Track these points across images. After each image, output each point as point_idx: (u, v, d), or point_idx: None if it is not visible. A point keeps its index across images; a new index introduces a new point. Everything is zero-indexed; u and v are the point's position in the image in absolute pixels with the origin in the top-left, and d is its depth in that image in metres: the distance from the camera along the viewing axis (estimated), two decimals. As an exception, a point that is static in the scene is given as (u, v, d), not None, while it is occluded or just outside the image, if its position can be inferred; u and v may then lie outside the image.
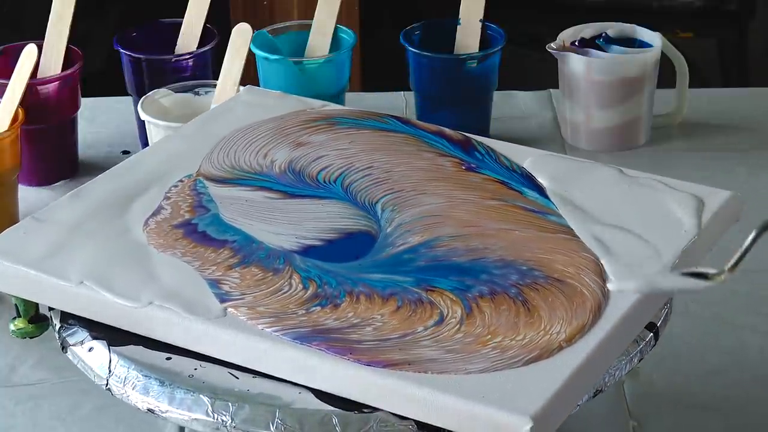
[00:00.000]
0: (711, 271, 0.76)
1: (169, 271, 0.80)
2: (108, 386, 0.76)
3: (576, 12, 2.27)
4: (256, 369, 0.75)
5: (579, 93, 1.28)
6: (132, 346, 0.77)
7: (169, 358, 0.76)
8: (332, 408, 0.72)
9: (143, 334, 0.77)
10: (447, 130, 0.95)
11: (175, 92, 1.21)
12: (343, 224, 0.85)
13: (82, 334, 0.79)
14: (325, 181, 0.89)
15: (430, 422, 0.71)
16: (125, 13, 2.21)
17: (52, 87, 1.23)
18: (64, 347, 0.79)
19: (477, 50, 1.29)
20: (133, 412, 0.77)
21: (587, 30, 1.30)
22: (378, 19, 2.41)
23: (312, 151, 0.92)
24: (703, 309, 1.07)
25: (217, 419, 0.72)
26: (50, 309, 0.81)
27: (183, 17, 1.29)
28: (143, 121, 1.17)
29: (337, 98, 1.27)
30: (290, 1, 2.14)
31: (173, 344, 0.77)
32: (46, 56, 1.24)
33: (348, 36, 1.29)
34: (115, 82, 1.35)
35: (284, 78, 1.24)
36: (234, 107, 0.99)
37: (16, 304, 0.85)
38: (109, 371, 0.76)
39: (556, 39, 1.29)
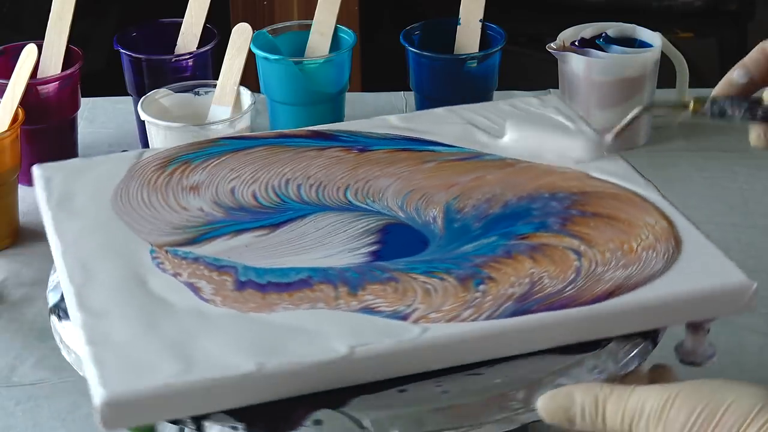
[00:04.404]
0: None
1: (311, 318, 0.75)
2: None
3: (576, 12, 2.27)
4: (500, 356, 0.74)
5: (579, 93, 1.28)
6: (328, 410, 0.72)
7: (403, 390, 0.73)
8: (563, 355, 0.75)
9: (351, 384, 0.73)
10: (300, 131, 0.96)
11: (175, 92, 1.21)
12: (360, 227, 0.84)
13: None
14: (281, 201, 0.87)
15: (662, 325, 0.78)
16: (125, 13, 2.21)
17: (52, 87, 1.23)
18: None
19: (477, 50, 1.29)
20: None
21: (587, 30, 1.30)
22: (378, 20, 2.41)
23: (223, 184, 0.89)
24: (703, 309, 1.07)
25: None
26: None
27: (183, 17, 1.29)
28: (143, 121, 1.17)
29: (337, 98, 1.27)
30: (290, 1, 2.15)
31: (373, 381, 0.73)
32: (46, 56, 1.25)
33: (348, 36, 1.29)
34: (115, 82, 1.35)
35: (284, 78, 1.25)
36: (70, 187, 0.89)
37: None
38: None
39: (556, 39, 1.29)
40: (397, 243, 0.82)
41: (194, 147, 0.94)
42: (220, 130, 1.14)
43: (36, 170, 0.91)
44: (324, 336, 0.73)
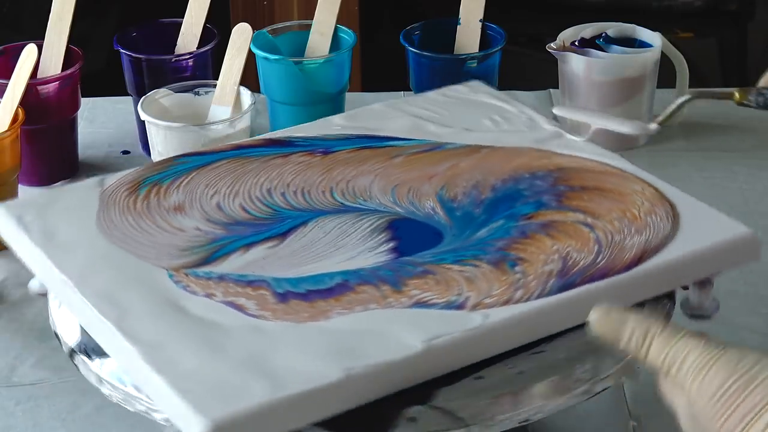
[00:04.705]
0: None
1: (370, 320, 0.75)
2: None
3: (576, 12, 2.27)
4: (554, 332, 0.77)
5: (579, 93, 1.28)
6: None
7: (479, 377, 0.75)
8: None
9: (429, 378, 0.73)
10: (255, 141, 0.95)
11: (175, 92, 1.21)
12: (366, 226, 0.84)
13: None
14: (274, 211, 0.86)
15: (685, 283, 0.83)
16: (125, 13, 2.21)
17: (52, 87, 1.23)
18: None
19: (477, 50, 1.29)
20: (132, 412, 0.77)
21: (587, 30, 1.30)
22: (378, 20, 2.41)
23: (206, 201, 0.88)
24: (703, 309, 1.07)
25: None
26: None
27: (183, 17, 1.29)
28: (143, 121, 1.17)
29: (337, 98, 1.27)
30: (290, 1, 2.15)
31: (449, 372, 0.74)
32: (46, 56, 1.24)
33: (348, 36, 1.29)
34: (115, 82, 1.35)
35: (284, 78, 1.24)
36: (46, 222, 0.85)
37: None
38: None
39: (556, 39, 1.29)
40: (412, 237, 0.83)
41: (156, 168, 0.92)
42: (220, 130, 1.14)
43: (2, 212, 0.86)
44: (392, 335, 0.74)
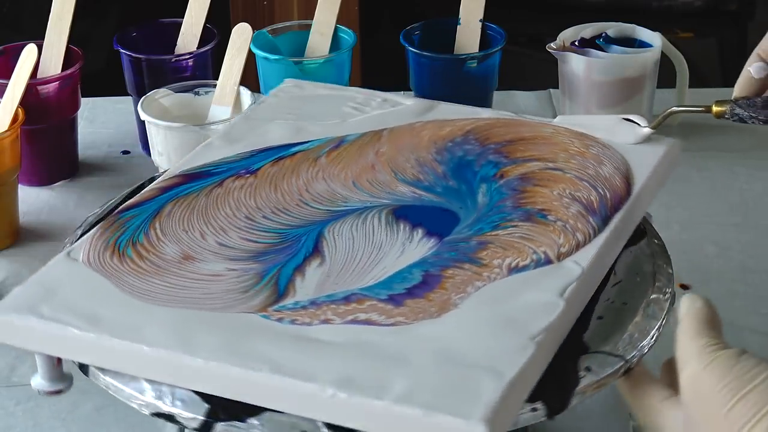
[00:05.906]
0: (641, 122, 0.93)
1: (491, 295, 0.76)
2: None
3: (576, 12, 2.27)
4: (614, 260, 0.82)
5: (579, 93, 1.28)
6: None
7: (600, 318, 0.79)
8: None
9: (571, 327, 0.77)
10: (173, 181, 0.90)
11: (175, 92, 1.21)
12: (375, 223, 0.84)
13: None
14: (278, 234, 0.84)
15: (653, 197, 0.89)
16: (125, 13, 2.21)
17: (52, 87, 1.23)
18: None
19: (477, 50, 1.29)
20: (132, 411, 0.77)
21: (587, 30, 1.30)
22: (378, 20, 2.41)
23: (206, 243, 0.83)
24: (703, 309, 1.07)
25: None
26: None
27: (183, 17, 1.29)
28: (143, 121, 1.17)
29: (337, 98, 1.27)
30: (290, 1, 2.15)
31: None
32: (46, 56, 1.25)
33: (348, 36, 1.29)
34: (115, 82, 1.35)
35: (284, 78, 1.24)
36: (78, 309, 0.77)
37: None
38: None
39: (556, 39, 1.29)
40: (430, 221, 0.83)
41: (113, 228, 0.84)
42: (220, 130, 1.14)
43: (11, 318, 0.76)
44: (529, 300, 0.75)
